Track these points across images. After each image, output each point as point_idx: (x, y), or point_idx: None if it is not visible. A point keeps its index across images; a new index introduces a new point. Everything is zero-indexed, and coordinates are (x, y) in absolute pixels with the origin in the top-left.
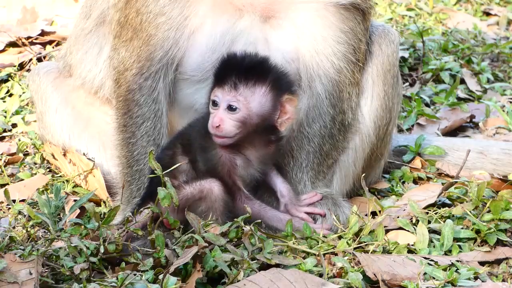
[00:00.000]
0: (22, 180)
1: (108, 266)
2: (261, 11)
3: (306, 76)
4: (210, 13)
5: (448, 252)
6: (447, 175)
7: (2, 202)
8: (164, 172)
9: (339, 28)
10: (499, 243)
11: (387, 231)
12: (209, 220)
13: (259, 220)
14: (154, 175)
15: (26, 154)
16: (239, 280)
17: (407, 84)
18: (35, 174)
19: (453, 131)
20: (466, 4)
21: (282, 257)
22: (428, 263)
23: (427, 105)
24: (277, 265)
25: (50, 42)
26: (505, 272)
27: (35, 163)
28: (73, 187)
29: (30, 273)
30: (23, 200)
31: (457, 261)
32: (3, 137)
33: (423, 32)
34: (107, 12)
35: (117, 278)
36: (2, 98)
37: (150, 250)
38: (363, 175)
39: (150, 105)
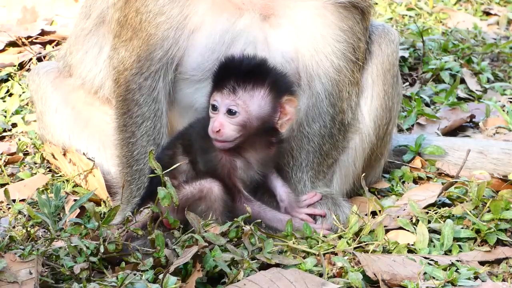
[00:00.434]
0: (22, 179)
1: (108, 265)
2: (260, 9)
3: (305, 75)
4: (209, 12)
5: (448, 252)
6: (447, 175)
7: (2, 202)
8: (164, 172)
9: (338, 26)
10: (499, 243)
11: (387, 230)
12: (209, 219)
13: (259, 220)
14: (154, 175)
15: (26, 154)
16: (239, 280)
17: (407, 83)
18: (35, 173)
19: (453, 131)
20: (466, 4)
21: (282, 257)
22: (428, 263)
23: (427, 104)
24: (277, 265)
25: (50, 42)
26: (505, 272)
27: (35, 163)
28: (73, 187)
29: (30, 273)
30: (23, 200)
31: (457, 260)
32: (3, 137)
33: (423, 32)
34: (107, 11)
35: (117, 278)
36: (2, 98)
37: (150, 249)
38: (363, 174)
39: (150, 105)
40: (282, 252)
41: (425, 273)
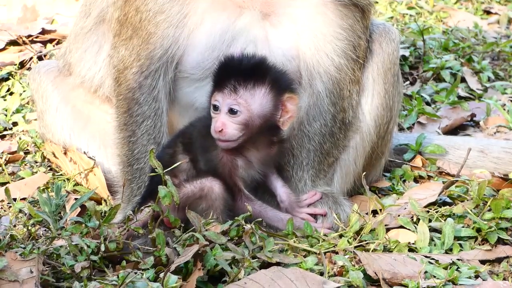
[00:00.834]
0: (23, 178)
1: (109, 264)
2: (260, 7)
3: (306, 73)
4: (209, 10)
5: (449, 251)
6: (448, 174)
7: (3, 201)
8: (164, 171)
9: (338, 25)
10: (500, 241)
11: (388, 229)
12: (210, 218)
13: (260, 219)
14: (154, 174)
15: (27, 153)
16: (240, 279)
17: (407, 82)
18: (36, 172)
19: (454, 130)
20: (467, 3)
21: (283, 256)
22: (429, 262)
23: (427, 103)
24: (278, 264)
25: (51, 41)
26: (506, 270)
27: (36, 162)
28: (73, 186)
29: (31, 272)
30: (24, 199)
31: (458, 259)
32: (4, 136)
33: (423, 31)
34: (107, 10)
35: (118, 277)
36: (2, 97)
37: (151, 248)
38: (364, 173)
39: (150, 104)
40: (283, 251)
41: (425, 272)
